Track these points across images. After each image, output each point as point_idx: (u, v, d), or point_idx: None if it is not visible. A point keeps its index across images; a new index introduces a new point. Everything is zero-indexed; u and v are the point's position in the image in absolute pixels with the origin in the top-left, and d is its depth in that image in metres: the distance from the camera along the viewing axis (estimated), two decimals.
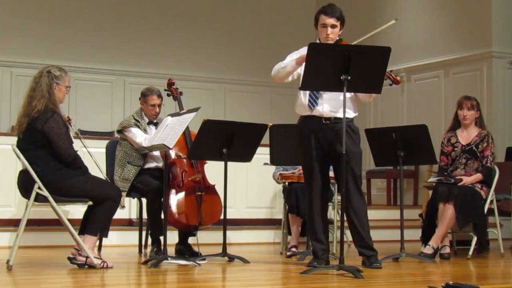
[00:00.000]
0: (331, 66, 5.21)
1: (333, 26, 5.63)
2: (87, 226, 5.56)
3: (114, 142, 6.98)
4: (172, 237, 6.62)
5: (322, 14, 5.66)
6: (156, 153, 6.60)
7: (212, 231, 7.18)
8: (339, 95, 5.45)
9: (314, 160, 5.62)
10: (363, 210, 5.68)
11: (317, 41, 5.70)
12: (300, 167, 6.99)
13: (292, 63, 5.61)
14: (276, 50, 13.06)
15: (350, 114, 5.67)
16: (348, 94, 5.52)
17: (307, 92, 5.67)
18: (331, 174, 5.86)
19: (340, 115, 5.51)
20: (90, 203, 5.54)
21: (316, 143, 5.61)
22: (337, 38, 5.67)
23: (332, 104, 5.59)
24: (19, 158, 5.43)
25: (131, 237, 7.54)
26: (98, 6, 12.19)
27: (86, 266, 5.46)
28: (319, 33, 5.72)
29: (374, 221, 6.66)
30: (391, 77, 5.86)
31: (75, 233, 5.51)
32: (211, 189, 6.60)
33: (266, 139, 6.46)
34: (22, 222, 5.49)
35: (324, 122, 5.60)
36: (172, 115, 6.03)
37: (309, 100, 5.66)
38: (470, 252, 6.71)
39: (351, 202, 5.61)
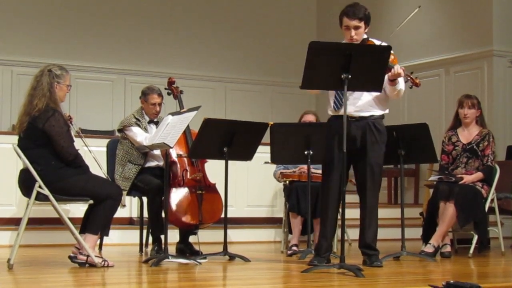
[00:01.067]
0: (332, 65, 5.21)
1: (356, 28, 5.61)
2: (88, 225, 5.56)
3: (115, 141, 6.98)
4: (173, 236, 6.62)
5: (345, 17, 5.63)
6: (157, 152, 6.60)
7: (213, 230, 7.18)
8: (364, 95, 5.48)
9: (334, 153, 5.60)
10: (375, 210, 5.72)
11: (343, 42, 5.69)
12: (301, 166, 7.01)
13: None
14: (277, 49, 13.12)
15: (377, 112, 5.69)
16: (375, 92, 5.53)
17: (333, 93, 5.68)
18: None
19: (364, 113, 5.63)
20: (91, 202, 5.54)
21: (339, 141, 5.57)
22: (363, 38, 5.65)
23: (356, 104, 5.62)
24: (20, 157, 5.43)
25: (132, 236, 7.54)
26: (99, 5, 12.18)
27: (87, 265, 5.47)
28: (344, 34, 5.70)
29: None
30: (411, 79, 5.82)
31: (76, 232, 5.51)
32: (211, 188, 6.60)
33: (266, 137, 6.45)
34: (23, 221, 5.49)
35: (349, 120, 5.59)
36: (173, 114, 6.03)
37: (334, 102, 5.69)
38: (471, 251, 6.72)
39: (366, 202, 5.65)
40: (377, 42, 5.67)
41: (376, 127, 5.67)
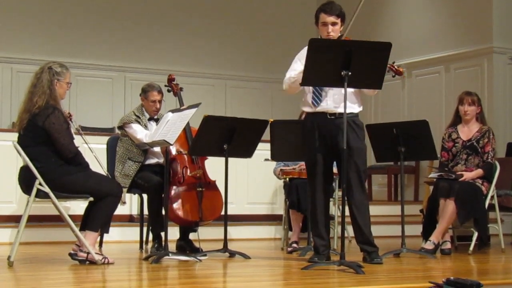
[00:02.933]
0: (332, 62, 5.20)
1: (333, 24, 5.64)
2: (88, 222, 5.56)
3: (115, 138, 6.98)
4: (173, 233, 6.62)
5: (322, 13, 5.66)
6: (157, 149, 6.60)
7: (213, 227, 7.18)
8: (341, 91, 5.45)
9: (317, 154, 5.62)
10: (365, 205, 5.68)
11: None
12: (301, 163, 7.00)
13: (301, 75, 5.54)
14: (276, 46, 13.11)
15: (355, 109, 5.68)
16: (351, 89, 5.53)
17: (311, 90, 5.66)
18: (335, 170, 5.86)
19: (343, 110, 5.54)
20: (91, 199, 5.54)
21: (320, 138, 5.61)
22: (339, 35, 5.66)
23: (336, 100, 5.60)
24: (20, 154, 5.43)
25: (132, 233, 7.54)
26: (99, 3, 12.18)
27: (87, 262, 5.47)
28: (320, 31, 5.72)
29: (375, 217, 6.66)
30: (393, 68, 5.85)
31: (76, 229, 5.51)
32: (212, 185, 6.60)
33: (267, 135, 6.45)
34: (23, 218, 5.50)
35: (328, 117, 5.61)
36: (173, 111, 6.03)
37: (313, 97, 5.66)
38: (471, 248, 6.72)
39: (353, 198, 5.61)
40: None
41: (356, 124, 5.66)
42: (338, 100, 5.58)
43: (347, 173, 5.50)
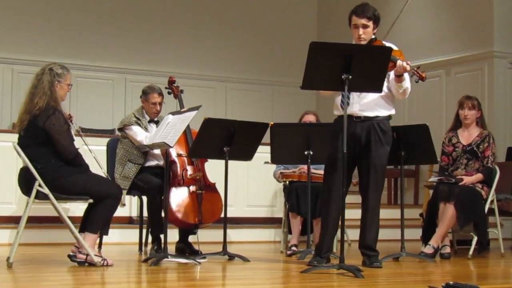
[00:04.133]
0: (332, 66, 5.20)
1: (364, 26, 5.61)
2: (87, 223, 5.56)
3: (115, 140, 6.98)
4: (173, 235, 6.62)
5: (354, 15, 5.65)
6: (157, 151, 6.60)
7: (213, 230, 7.17)
8: (370, 95, 5.48)
9: (338, 155, 5.58)
10: (377, 211, 5.71)
11: (352, 42, 5.69)
12: (301, 166, 7.01)
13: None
14: (277, 48, 13.13)
15: (382, 112, 5.68)
16: (381, 93, 5.55)
17: (340, 93, 5.65)
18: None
19: (369, 113, 5.63)
20: (91, 201, 5.54)
21: (343, 140, 5.56)
22: (371, 37, 5.65)
23: (362, 103, 5.61)
24: (19, 155, 5.43)
25: (131, 235, 7.54)
26: (100, 4, 12.19)
27: (86, 264, 5.46)
28: (352, 33, 5.70)
29: None
30: (417, 73, 5.78)
31: (76, 231, 5.51)
32: (211, 188, 6.60)
33: (267, 137, 6.45)
34: (23, 219, 5.49)
35: (354, 120, 5.60)
36: (173, 113, 6.03)
37: (342, 100, 5.66)
38: (471, 252, 6.71)
39: (367, 203, 5.64)
40: (386, 44, 5.65)
41: (381, 128, 5.67)
42: (365, 104, 5.61)
43: (365, 176, 5.52)
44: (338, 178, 5.59)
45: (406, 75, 5.64)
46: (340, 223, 5.56)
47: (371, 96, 5.61)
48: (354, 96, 5.63)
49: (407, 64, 5.52)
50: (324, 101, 7.69)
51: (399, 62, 5.52)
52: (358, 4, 5.69)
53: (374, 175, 5.64)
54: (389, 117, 5.76)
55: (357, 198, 5.83)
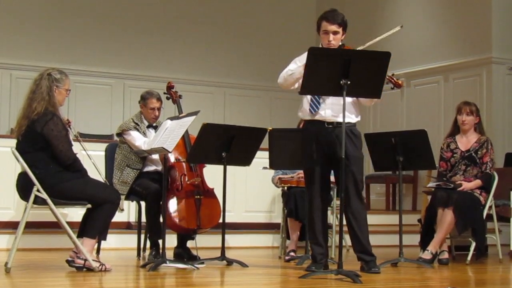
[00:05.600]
0: (331, 71, 5.21)
1: (335, 33, 5.63)
2: (85, 229, 5.55)
3: (113, 145, 6.98)
4: (171, 240, 6.61)
5: (324, 21, 5.65)
6: (155, 156, 6.60)
7: (211, 235, 7.17)
8: (341, 100, 5.46)
9: (315, 163, 5.62)
10: (363, 215, 5.67)
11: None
12: (299, 171, 7.00)
13: (299, 69, 5.53)
14: (275, 54, 13.11)
15: (352, 118, 5.68)
16: (350, 99, 5.54)
17: (309, 97, 5.66)
18: (332, 178, 5.86)
19: (341, 119, 5.54)
20: (89, 206, 5.53)
21: (317, 146, 5.61)
22: (340, 44, 5.66)
23: (334, 109, 5.59)
24: (18, 160, 5.43)
25: (129, 240, 7.53)
26: (98, 10, 12.19)
27: (84, 269, 5.46)
28: (321, 39, 5.72)
29: (373, 226, 6.65)
30: (392, 80, 5.83)
31: (74, 236, 5.50)
32: (210, 193, 6.60)
33: (265, 143, 6.46)
34: (21, 224, 5.49)
35: (326, 126, 5.61)
36: (172, 118, 6.03)
37: (311, 105, 5.66)
38: (469, 258, 6.71)
39: (350, 207, 5.61)
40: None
41: (353, 133, 5.66)
42: (336, 109, 5.56)
43: (345, 183, 5.50)
44: (317, 189, 5.62)
45: None
46: (338, 229, 5.56)
47: (341, 102, 5.52)
48: (325, 100, 5.61)
49: None
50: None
51: None
52: (327, 10, 5.69)
53: (353, 181, 5.60)
54: (355, 123, 5.74)
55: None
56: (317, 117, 5.63)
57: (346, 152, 5.41)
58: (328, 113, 5.60)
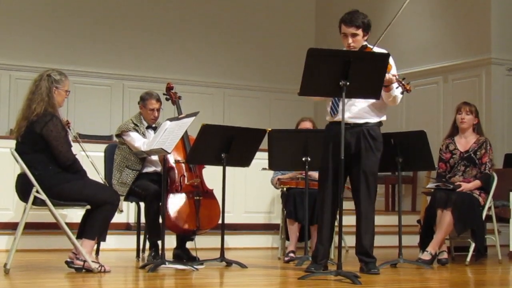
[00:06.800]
0: (330, 72, 5.21)
1: (353, 35, 5.60)
2: (85, 230, 5.55)
3: (112, 146, 6.97)
4: (170, 241, 6.61)
5: (342, 24, 5.63)
6: (155, 157, 6.60)
7: (210, 236, 7.17)
8: (359, 101, 5.49)
9: (330, 162, 5.61)
10: (371, 217, 5.69)
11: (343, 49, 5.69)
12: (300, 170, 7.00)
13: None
14: (275, 54, 13.14)
15: (373, 119, 5.68)
16: (371, 100, 5.55)
17: (331, 100, 5.66)
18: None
19: (359, 120, 5.62)
20: (88, 207, 5.53)
21: (334, 147, 5.58)
22: (362, 45, 5.64)
23: (352, 110, 5.61)
24: (17, 161, 5.43)
25: (129, 241, 7.52)
26: (97, 10, 12.20)
27: (83, 270, 5.46)
28: (342, 41, 5.70)
29: None
30: (402, 85, 5.78)
31: (73, 237, 5.50)
32: (209, 194, 6.60)
33: (264, 144, 6.45)
34: (20, 225, 5.49)
35: (344, 127, 5.60)
36: (171, 119, 6.03)
37: (331, 107, 5.67)
38: (468, 259, 6.71)
39: (360, 207, 5.63)
40: (376, 50, 5.66)
41: (371, 134, 5.66)
42: (354, 111, 5.60)
43: (356, 183, 5.53)
44: (330, 184, 5.61)
45: (394, 84, 5.63)
46: (338, 229, 5.56)
47: (361, 104, 5.61)
48: (347, 102, 5.62)
49: (393, 76, 5.53)
50: (322, 108, 7.72)
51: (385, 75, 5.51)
52: (347, 12, 5.66)
53: (365, 182, 5.62)
54: (379, 123, 5.75)
55: (354, 204, 5.82)
56: (336, 119, 5.62)
57: (360, 153, 5.49)
58: (346, 115, 5.58)
